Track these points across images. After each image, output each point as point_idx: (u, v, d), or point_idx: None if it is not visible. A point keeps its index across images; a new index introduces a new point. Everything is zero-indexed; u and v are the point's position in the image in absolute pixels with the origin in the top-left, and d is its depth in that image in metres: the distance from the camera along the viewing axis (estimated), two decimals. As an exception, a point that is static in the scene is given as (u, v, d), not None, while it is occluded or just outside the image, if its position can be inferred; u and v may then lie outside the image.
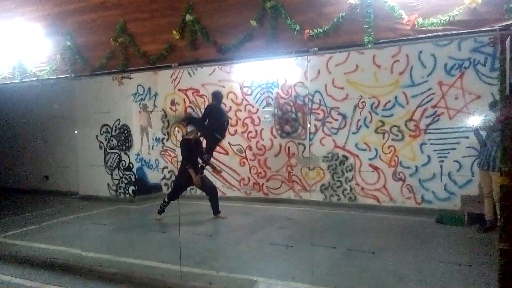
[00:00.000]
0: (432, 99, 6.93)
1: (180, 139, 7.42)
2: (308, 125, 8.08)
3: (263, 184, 8.59)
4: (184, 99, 9.25)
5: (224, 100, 8.76)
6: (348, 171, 7.75)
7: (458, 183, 6.82)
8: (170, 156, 9.52)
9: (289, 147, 8.31)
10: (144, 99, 9.25)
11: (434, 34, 3.17)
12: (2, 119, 10.20)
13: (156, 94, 9.53)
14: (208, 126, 7.00)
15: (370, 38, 3.33)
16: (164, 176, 9.61)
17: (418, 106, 7.04)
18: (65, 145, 9.25)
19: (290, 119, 8.27)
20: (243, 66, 8.28)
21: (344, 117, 7.71)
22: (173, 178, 9.42)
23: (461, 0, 3.01)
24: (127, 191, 9.06)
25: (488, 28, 3.01)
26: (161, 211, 7.01)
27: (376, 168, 7.50)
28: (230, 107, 8.78)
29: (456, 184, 6.84)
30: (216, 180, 8.41)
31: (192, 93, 9.18)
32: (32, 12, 5.20)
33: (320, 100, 7.88)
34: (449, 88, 6.80)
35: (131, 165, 8.98)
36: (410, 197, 7.23)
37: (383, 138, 7.40)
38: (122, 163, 9.08)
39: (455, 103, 6.77)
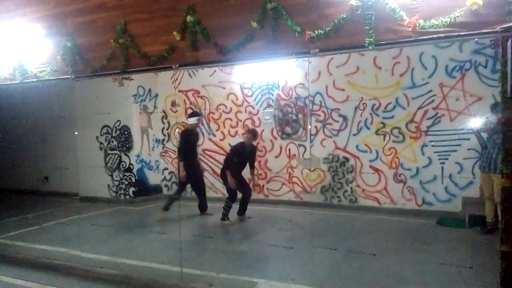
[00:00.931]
0: (433, 101, 6.92)
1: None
2: (309, 127, 8.07)
3: (263, 185, 8.58)
4: (184, 100, 9.25)
5: (224, 101, 8.82)
6: (349, 172, 7.74)
7: (459, 185, 6.81)
8: (171, 157, 9.52)
9: (289, 149, 8.30)
10: (144, 100, 9.25)
11: (435, 35, 3.16)
12: (2, 120, 10.20)
13: (156, 95, 9.53)
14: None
15: (371, 39, 3.33)
16: (165, 177, 9.60)
17: (419, 108, 7.03)
18: (65, 146, 9.25)
19: (290, 121, 8.27)
20: (244, 67, 8.27)
21: (345, 118, 7.70)
22: (174, 179, 9.42)
23: (462, 1, 3.00)
24: (127, 192, 9.05)
25: (489, 30, 3.00)
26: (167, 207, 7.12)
27: (377, 170, 7.49)
28: (231, 108, 8.78)
29: (457, 186, 6.83)
30: (216, 181, 8.41)
31: (193, 94, 9.18)
32: (33, 13, 5.20)
33: (320, 102, 7.88)
34: (450, 90, 6.79)
35: (131, 166, 8.98)
36: (411, 199, 7.22)
37: (384, 139, 7.39)
38: (123, 164, 9.07)
39: (456, 105, 6.76)
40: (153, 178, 9.42)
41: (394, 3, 3.23)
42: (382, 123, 7.38)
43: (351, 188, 7.74)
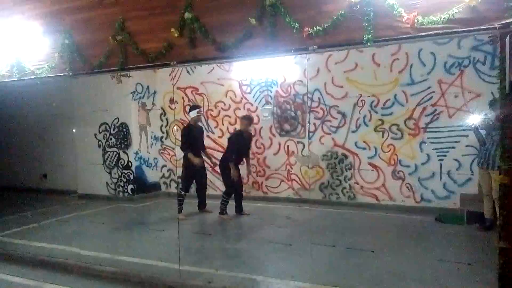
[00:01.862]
0: (431, 97, 6.93)
1: (180, 138, 7.37)
2: (308, 124, 8.07)
3: (262, 182, 8.58)
4: (183, 97, 9.23)
5: (223, 98, 8.80)
6: (347, 169, 7.74)
7: (458, 181, 6.82)
8: (169, 154, 9.51)
9: (288, 146, 8.30)
10: (143, 97, 9.23)
11: (433, 32, 3.15)
12: (0, 117, 10.17)
13: (155, 92, 9.51)
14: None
15: (370, 36, 3.32)
16: (163, 174, 9.59)
17: (418, 105, 7.03)
18: (64, 144, 9.24)
19: (289, 118, 8.26)
20: (242, 64, 8.24)
21: (344, 115, 7.70)
22: (172, 176, 9.42)
23: (461, -2, 3.00)
24: (125, 190, 9.04)
25: (488, 26, 3.00)
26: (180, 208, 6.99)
27: (375, 167, 7.49)
28: (229, 105, 8.77)
29: (455, 182, 6.84)
30: (216, 179, 8.40)
31: (191, 92, 9.16)
32: (31, 10, 5.17)
33: (319, 99, 7.87)
34: (449, 87, 6.79)
35: (129, 163, 8.97)
36: (409, 196, 7.23)
37: (383, 136, 7.39)
38: (121, 162, 9.06)
39: (454, 102, 6.76)
40: (152, 175, 9.41)
41: (392, 0, 3.22)
42: (380, 120, 7.38)
43: (349, 185, 7.75)
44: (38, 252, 5.39)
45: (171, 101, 9.43)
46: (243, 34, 3.86)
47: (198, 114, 7.13)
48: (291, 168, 8.29)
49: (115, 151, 9.13)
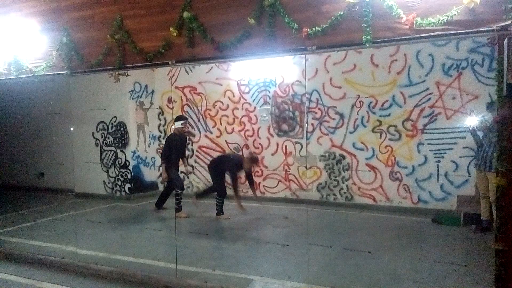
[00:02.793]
0: (429, 99, 6.94)
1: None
2: (306, 124, 8.07)
3: (259, 182, 8.58)
4: (181, 96, 9.22)
5: (221, 98, 8.80)
6: (345, 170, 7.75)
7: (455, 183, 6.84)
8: (167, 154, 9.47)
9: (286, 146, 8.30)
10: (140, 97, 9.22)
11: (432, 34, 3.16)
12: (-3, 115, 10.14)
13: (153, 92, 9.50)
14: None
15: (368, 37, 3.32)
16: (161, 174, 9.56)
17: (416, 106, 7.05)
18: (61, 142, 9.20)
19: (287, 118, 8.26)
20: (241, 64, 8.25)
21: (342, 116, 7.71)
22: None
23: (459, 0, 3.00)
24: (123, 189, 9.03)
25: (486, 28, 3.01)
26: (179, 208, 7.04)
27: (373, 168, 7.50)
28: (228, 105, 8.77)
29: (452, 184, 6.86)
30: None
31: (189, 91, 9.15)
32: (29, 8, 5.15)
33: (317, 99, 7.88)
34: (447, 88, 6.81)
35: (127, 162, 8.95)
36: (406, 197, 7.24)
37: (380, 137, 7.40)
38: (118, 161, 9.05)
39: (452, 103, 6.78)
40: (149, 174, 9.40)
41: (391, 1, 3.22)
42: (378, 121, 7.39)
43: (347, 185, 7.75)
44: (35, 250, 5.37)
45: (169, 100, 9.42)
46: (242, 34, 3.87)
47: (182, 126, 7.17)
48: (289, 168, 8.29)
49: (113, 150, 9.11)
